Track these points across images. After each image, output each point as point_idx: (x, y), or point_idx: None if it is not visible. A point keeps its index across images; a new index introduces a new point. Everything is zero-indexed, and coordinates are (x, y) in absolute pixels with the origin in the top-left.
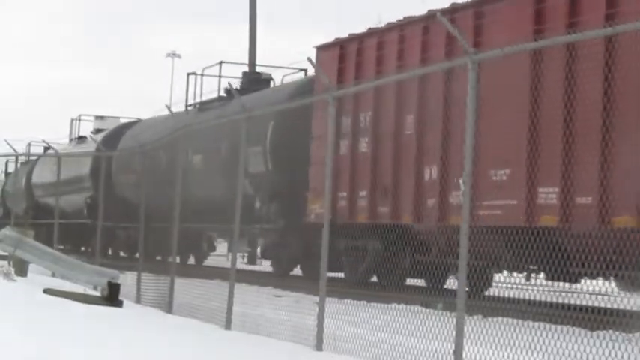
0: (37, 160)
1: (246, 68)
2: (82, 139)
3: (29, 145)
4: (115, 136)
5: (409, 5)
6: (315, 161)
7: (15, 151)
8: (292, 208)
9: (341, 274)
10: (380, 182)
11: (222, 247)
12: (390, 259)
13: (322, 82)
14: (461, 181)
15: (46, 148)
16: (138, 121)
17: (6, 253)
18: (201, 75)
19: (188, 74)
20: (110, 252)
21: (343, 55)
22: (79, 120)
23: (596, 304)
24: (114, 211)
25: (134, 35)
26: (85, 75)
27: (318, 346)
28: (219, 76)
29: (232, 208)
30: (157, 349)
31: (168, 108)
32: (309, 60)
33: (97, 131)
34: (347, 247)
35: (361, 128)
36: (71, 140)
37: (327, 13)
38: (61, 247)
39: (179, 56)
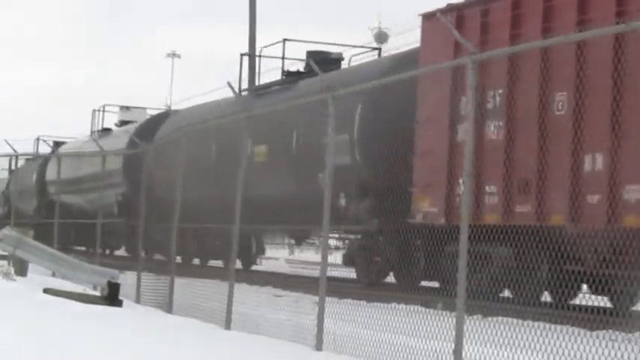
0: (49, 155)
1: (311, 47)
2: (106, 131)
3: (37, 139)
4: (150, 127)
5: (409, 6)
6: (423, 150)
7: (15, 151)
8: (388, 207)
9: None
10: (517, 175)
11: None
12: (523, 269)
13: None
14: (461, 181)
15: (57, 143)
16: (175, 112)
17: (6, 253)
18: (259, 56)
19: (242, 55)
20: (144, 254)
21: (462, 20)
22: (103, 111)
23: (596, 304)
24: (150, 210)
25: (134, 35)
26: (85, 75)
27: (318, 346)
28: (282, 58)
29: (306, 206)
30: (156, 349)
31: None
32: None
33: (123, 123)
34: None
35: (488, 109)
36: (94, 132)
37: (327, 14)
38: (82, 248)
39: (179, 56)
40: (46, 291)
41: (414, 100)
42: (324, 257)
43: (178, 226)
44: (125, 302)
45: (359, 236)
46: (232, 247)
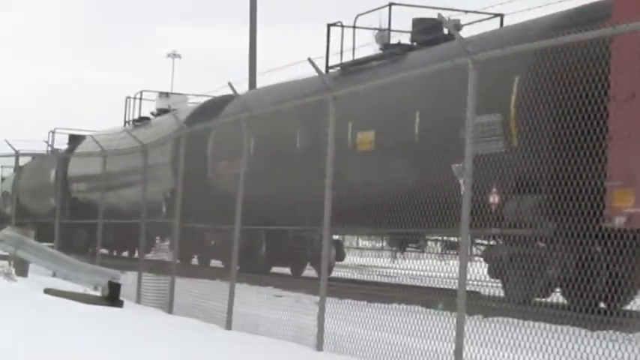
0: (72, 148)
1: (416, 15)
2: (144, 120)
3: (52, 132)
4: (207, 112)
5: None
6: (624, 134)
7: (16, 151)
8: (569, 206)
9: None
10: None
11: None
12: None
13: None
14: (461, 181)
15: (73, 137)
16: (235, 96)
17: (6, 253)
18: (353, 27)
19: (329, 25)
20: (195, 260)
21: None
22: (141, 98)
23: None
24: (207, 209)
25: (134, 35)
26: (85, 75)
27: (319, 347)
28: (379, 29)
29: (421, 204)
30: (157, 349)
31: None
32: (310, 60)
33: (161, 111)
34: None
35: None
36: (128, 122)
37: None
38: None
39: (179, 56)
40: (46, 291)
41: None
42: (325, 257)
43: (243, 227)
44: (126, 302)
45: (502, 241)
46: (233, 247)
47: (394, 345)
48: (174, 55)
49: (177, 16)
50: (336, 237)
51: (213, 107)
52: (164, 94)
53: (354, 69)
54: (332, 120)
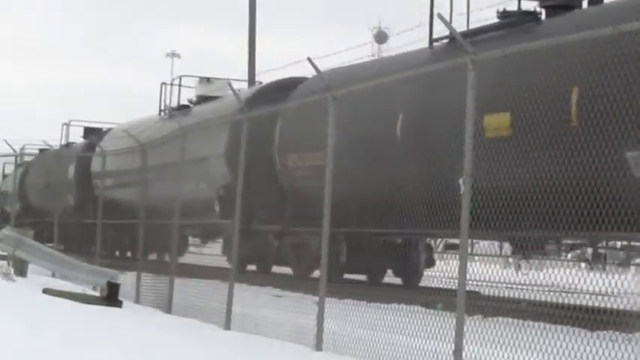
0: (92, 142)
1: None
2: (184, 108)
3: (66, 125)
4: (269, 96)
5: (410, 6)
6: None
7: (15, 151)
8: None
9: None
10: None
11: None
12: None
13: None
14: (461, 181)
15: (89, 130)
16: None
17: (5, 253)
18: None
19: None
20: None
21: None
22: (179, 85)
23: (596, 304)
24: (275, 207)
25: (134, 35)
26: (85, 75)
27: (318, 347)
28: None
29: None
30: (156, 350)
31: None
32: (309, 60)
33: (202, 98)
34: None
35: None
36: (163, 111)
37: (327, 14)
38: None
39: (179, 56)
40: (45, 291)
41: None
42: (324, 257)
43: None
44: (125, 302)
45: None
46: (233, 247)
47: (394, 345)
48: (173, 55)
49: (176, 16)
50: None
51: (277, 90)
52: (205, 80)
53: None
54: (332, 120)
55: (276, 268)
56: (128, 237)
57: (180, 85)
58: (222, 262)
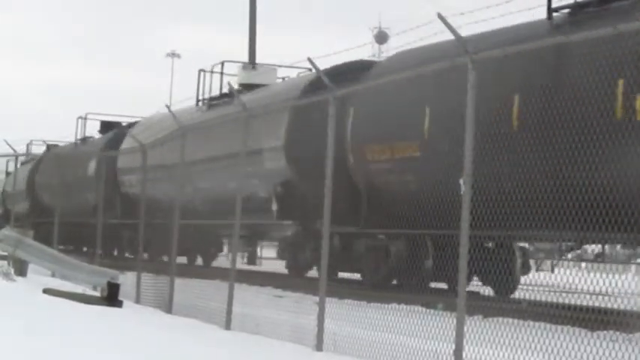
0: (116, 134)
1: None
2: (225, 97)
3: (83, 119)
4: (336, 79)
5: (410, 5)
6: None
7: (15, 151)
8: None
9: None
10: None
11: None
12: None
13: None
14: (461, 181)
15: (105, 124)
16: (373, 62)
17: (5, 253)
18: None
19: None
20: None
21: None
22: (221, 72)
23: (596, 304)
24: (346, 207)
25: (134, 35)
26: (84, 74)
27: (319, 347)
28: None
29: None
30: (156, 350)
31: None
32: (309, 60)
33: (245, 87)
34: None
35: None
36: (202, 101)
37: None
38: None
39: (179, 56)
40: (45, 291)
41: None
42: (324, 256)
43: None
44: (125, 302)
45: None
46: (234, 246)
47: (394, 345)
48: (173, 55)
49: (176, 16)
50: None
51: (345, 73)
52: (249, 66)
53: (593, 11)
54: (332, 120)
55: (274, 268)
56: (160, 239)
57: (222, 73)
58: (279, 267)
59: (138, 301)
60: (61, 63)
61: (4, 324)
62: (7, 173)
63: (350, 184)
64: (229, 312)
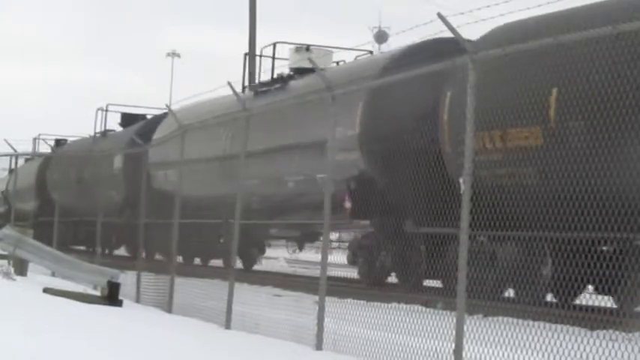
0: (146, 125)
1: None
2: (277, 83)
3: (103, 110)
4: (418, 57)
5: (410, 5)
6: None
7: (15, 150)
8: None
9: None
10: None
11: None
12: None
13: None
14: (461, 180)
15: (127, 116)
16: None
17: (6, 253)
18: None
19: None
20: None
21: None
22: (273, 57)
23: (596, 304)
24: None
25: (134, 35)
26: (85, 74)
27: (318, 346)
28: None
29: None
30: (156, 349)
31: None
32: (310, 60)
33: (298, 71)
34: None
35: None
36: (248, 87)
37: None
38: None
39: (179, 56)
40: (46, 291)
41: None
42: (324, 257)
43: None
44: (125, 302)
45: None
46: (233, 246)
47: (394, 344)
48: (173, 55)
49: (177, 16)
50: None
51: (426, 52)
52: (303, 49)
53: None
54: (332, 120)
55: (273, 267)
56: (199, 239)
57: (274, 57)
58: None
59: (138, 300)
60: (61, 63)
61: (4, 323)
62: (11, 171)
63: (444, 177)
64: (229, 311)
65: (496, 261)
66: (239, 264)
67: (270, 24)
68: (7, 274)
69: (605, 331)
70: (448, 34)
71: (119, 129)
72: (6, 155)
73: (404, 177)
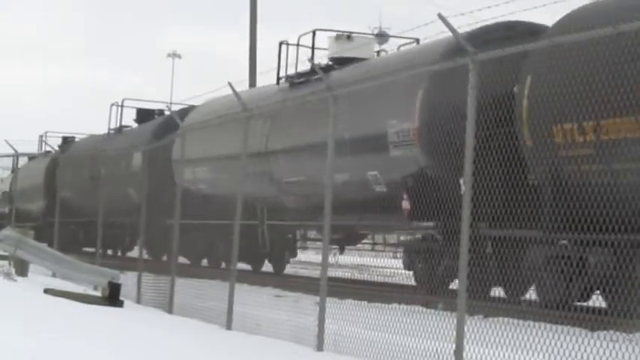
0: (168, 118)
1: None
2: (323, 71)
3: (118, 106)
4: (497, 35)
5: (411, 5)
6: None
7: (15, 151)
8: None
9: None
10: None
11: None
12: None
13: None
14: (461, 181)
15: (142, 112)
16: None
17: (6, 253)
18: None
19: None
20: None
21: None
22: (312, 47)
23: (596, 304)
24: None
25: (134, 35)
26: (85, 74)
27: (319, 347)
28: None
29: None
30: (157, 350)
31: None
32: (310, 60)
33: (337, 61)
34: None
35: None
36: (284, 78)
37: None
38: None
39: (179, 56)
40: (46, 291)
41: None
42: (324, 257)
43: None
44: (126, 302)
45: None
46: (234, 247)
47: (394, 345)
48: (174, 55)
49: (177, 16)
50: None
51: (502, 32)
52: (343, 37)
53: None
54: (332, 120)
55: (269, 267)
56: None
57: (313, 48)
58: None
59: (139, 300)
60: (61, 63)
61: (4, 323)
62: (13, 170)
63: (521, 173)
64: (230, 312)
65: (584, 267)
66: (269, 267)
67: (270, 24)
68: (8, 275)
69: (605, 331)
70: (448, 34)
71: (133, 125)
72: (8, 156)
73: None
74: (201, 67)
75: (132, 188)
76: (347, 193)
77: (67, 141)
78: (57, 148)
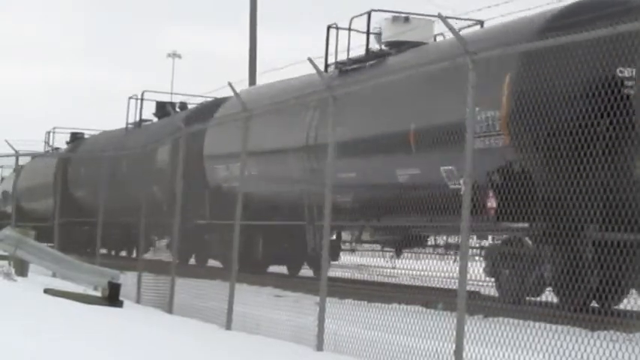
0: (201, 109)
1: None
2: (378, 57)
3: (138, 99)
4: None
5: (411, 4)
6: None
7: (16, 151)
8: None
9: None
10: None
11: None
12: None
13: None
14: (461, 181)
15: (161, 105)
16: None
17: (6, 253)
18: None
19: None
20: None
21: None
22: (368, 32)
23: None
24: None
25: (134, 35)
26: (85, 74)
27: (319, 347)
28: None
29: None
30: (157, 349)
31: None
32: (310, 60)
33: (393, 45)
34: None
35: None
36: (333, 65)
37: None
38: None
39: (179, 56)
40: (46, 291)
41: None
42: (325, 258)
43: None
44: (126, 302)
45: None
46: (234, 246)
47: (394, 345)
48: (174, 55)
49: (177, 16)
50: None
51: (596, 9)
52: (400, 19)
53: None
54: (332, 120)
55: (272, 267)
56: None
57: (368, 33)
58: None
59: (138, 301)
60: (61, 63)
61: (4, 323)
62: (15, 170)
63: (625, 169)
64: (230, 312)
65: None
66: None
67: (270, 24)
68: (7, 275)
69: (605, 331)
70: (450, 35)
71: (153, 120)
72: (9, 156)
73: (574, 171)
74: (201, 67)
75: (156, 185)
76: (416, 191)
77: (76, 137)
78: (65, 145)
